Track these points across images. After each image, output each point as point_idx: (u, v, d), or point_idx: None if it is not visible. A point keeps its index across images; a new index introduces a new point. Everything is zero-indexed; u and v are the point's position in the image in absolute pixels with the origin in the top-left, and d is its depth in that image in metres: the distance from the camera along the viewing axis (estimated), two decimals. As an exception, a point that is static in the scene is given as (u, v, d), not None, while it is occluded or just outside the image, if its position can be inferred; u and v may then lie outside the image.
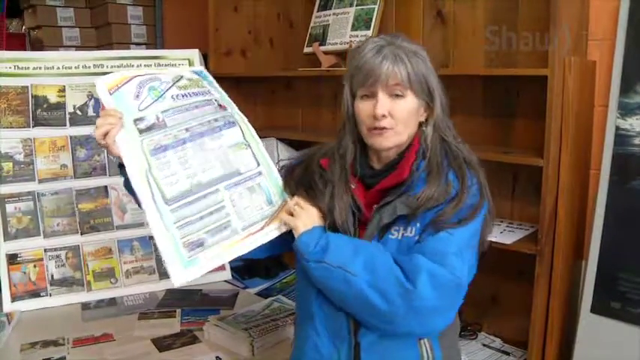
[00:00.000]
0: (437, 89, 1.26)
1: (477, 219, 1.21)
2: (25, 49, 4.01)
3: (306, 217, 1.26)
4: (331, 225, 1.27)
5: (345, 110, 1.30)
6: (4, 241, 2.06)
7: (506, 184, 2.03)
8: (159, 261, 2.22)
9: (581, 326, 1.75)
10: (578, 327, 1.76)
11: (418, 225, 1.22)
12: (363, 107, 1.24)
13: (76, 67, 2.29)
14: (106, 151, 2.18)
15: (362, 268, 1.17)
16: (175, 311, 1.97)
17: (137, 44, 3.80)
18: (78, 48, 3.79)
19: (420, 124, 1.28)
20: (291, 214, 1.28)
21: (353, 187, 1.27)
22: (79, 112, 2.25)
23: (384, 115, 1.21)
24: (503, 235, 1.84)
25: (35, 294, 2.05)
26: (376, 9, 2.24)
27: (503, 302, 2.10)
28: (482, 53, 2.06)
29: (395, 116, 1.22)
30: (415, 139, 1.28)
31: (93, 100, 2.27)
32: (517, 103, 1.99)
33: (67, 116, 2.23)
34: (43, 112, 2.20)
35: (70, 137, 2.22)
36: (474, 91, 2.08)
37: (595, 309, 1.72)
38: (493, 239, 1.67)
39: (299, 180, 1.35)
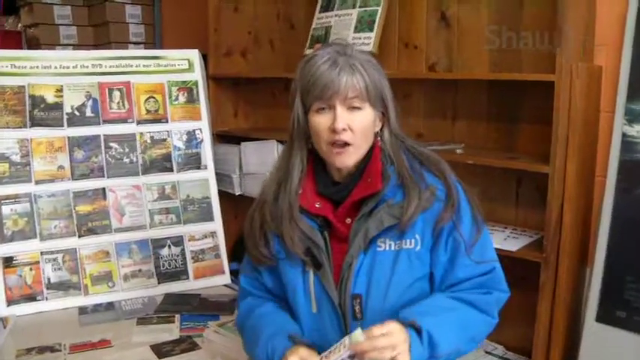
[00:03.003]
0: (390, 99, 1.26)
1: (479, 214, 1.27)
2: (20, 48, 3.96)
3: (397, 343, 1.08)
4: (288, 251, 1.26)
5: (296, 125, 1.25)
6: (0, 243, 2.02)
7: (510, 190, 2.01)
8: (157, 264, 2.19)
9: (586, 335, 1.73)
10: (582, 336, 1.75)
11: (417, 236, 1.22)
12: (320, 121, 1.21)
13: (74, 67, 2.25)
14: (104, 152, 2.20)
15: (458, 334, 1.19)
16: (174, 316, 1.94)
17: (135, 44, 3.76)
18: (75, 47, 3.75)
19: (376, 135, 1.27)
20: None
21: (317, 206, 1.24)
22: (77, 112, 2.21)
23: (343, 129, 1.19)
24: (508, 242, 1.82)
25: (31, 298, 2.01)
26: (379, 11, 2.21)
27: (507, 309, 2.02)
28: (487, 57, 2.04)
29: (354, 130, 1.20)
30: (375, 148, 1.27)
31: (91, 100, 2.24)
32: (522, 108, 1.97)
33: (65, 117, 2.19)
34: (40, 112, 2.16)
35: (68, 138, 2.18)
36: (479, 95, 2.06)
37: (600, 318, 1.71)
38: (497, 246, 1.65)
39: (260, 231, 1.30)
